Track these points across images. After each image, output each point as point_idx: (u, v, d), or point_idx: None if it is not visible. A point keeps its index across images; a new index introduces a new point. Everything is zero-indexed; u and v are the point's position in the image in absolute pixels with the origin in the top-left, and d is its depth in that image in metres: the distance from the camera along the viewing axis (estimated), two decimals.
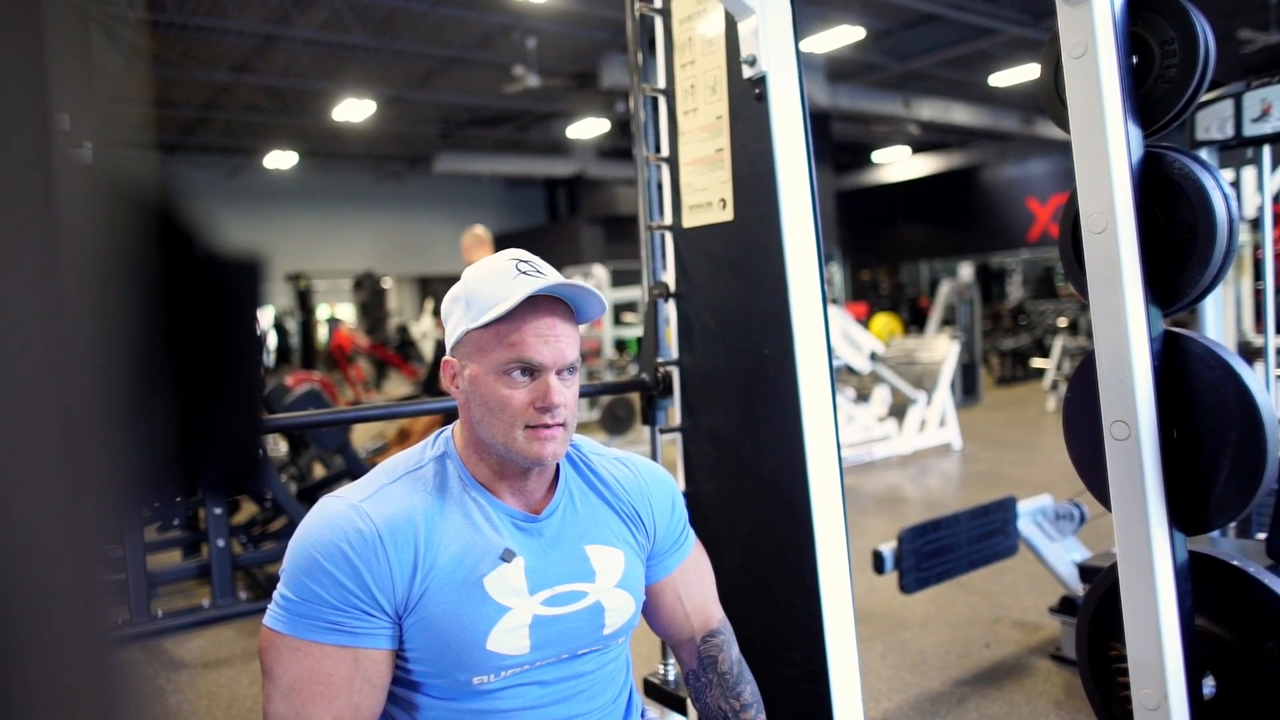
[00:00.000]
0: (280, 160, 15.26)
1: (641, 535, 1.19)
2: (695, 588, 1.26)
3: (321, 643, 0.98)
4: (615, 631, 1.12)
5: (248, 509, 4.57)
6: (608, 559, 1.12)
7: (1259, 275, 2.81)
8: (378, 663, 1.01)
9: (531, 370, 1.03)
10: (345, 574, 0.98)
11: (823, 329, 1.62)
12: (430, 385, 6.72)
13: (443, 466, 1.09)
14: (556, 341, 1.03)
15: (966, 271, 11.54)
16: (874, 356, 6.60)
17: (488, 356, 1.04)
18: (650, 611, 1.25)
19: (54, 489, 0.26)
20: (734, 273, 1.73)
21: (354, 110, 11.89)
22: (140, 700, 0.29)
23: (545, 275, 1.06)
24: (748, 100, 1.66)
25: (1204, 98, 2.04)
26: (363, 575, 0.98)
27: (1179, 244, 1.32)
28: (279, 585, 1.00)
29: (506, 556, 1.05)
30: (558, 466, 1.16)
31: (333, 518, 1.01)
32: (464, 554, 1.03)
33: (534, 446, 1.03)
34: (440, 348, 4.19)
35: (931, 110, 12.96)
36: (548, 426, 1.03)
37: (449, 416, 1.63)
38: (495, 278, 1.05)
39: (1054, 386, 8.92)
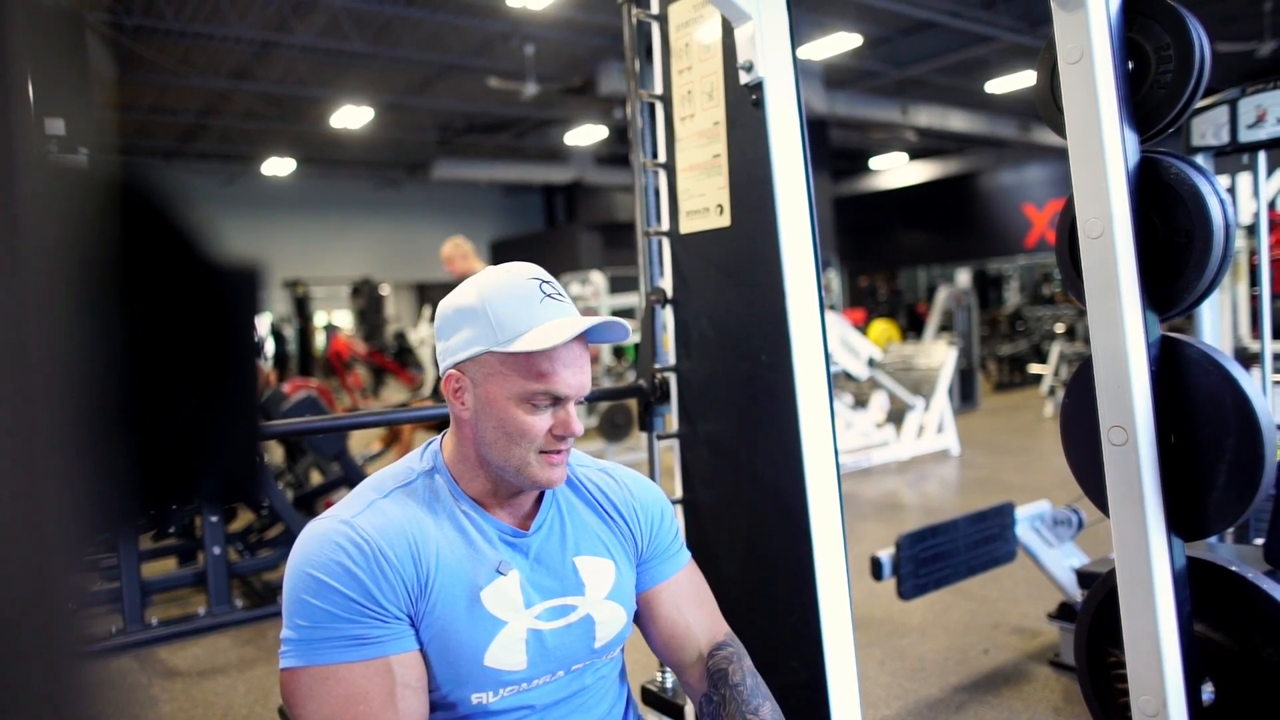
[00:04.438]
0: (278, 167, 15.25)
1: (629, 542, 1.17)
2: (693, 601, 1.21)
3: (349, 661, 0.93)
4: (607, 644, 1.11)
5: (244, 516, 4.56)
6: (597, 570, 1.11)
7: (1255, 281, 2.82)
8: (412, 665, 0.96)
9: (556, 399, 1.03)
10: (350, 587, 0.94)
11: (820, 335, 1.62)
12: (439, 392, 6.70)
13: (432, 481, 1.07)
14: (582, 373, 1.03)
15: (964, 277, 11.59)
16: (872, 362, 6.61)
17: (510, 383, 1.01)
18: (648, 626, 1.20)
19: (13, 503, 0.25)
20: (731, 279, 1.73)
21: (352, 117, 11.89)
22: (111, 715, 0.28)
23: (567, 301, 1.05)
24: (745, 106, 1.66)
25: (1199, 103, 2.05)
26: (368, 587, 0.95)
27: (1175, 249, 1.33)
28: (284, 624, 0.95)
29: (503, 569, 1.03)
30: None
31: (326, 535, 0.97)
32: (460, 568, 1.01)
33: (547, 472, 1.04)
34: None
35: (929, 117, 13.00)
36: (559, 451, 1.04)
37: (443, 424, 1.62)
38: (520, 299, 1.02)
39: (1051, 392, 8.93)
